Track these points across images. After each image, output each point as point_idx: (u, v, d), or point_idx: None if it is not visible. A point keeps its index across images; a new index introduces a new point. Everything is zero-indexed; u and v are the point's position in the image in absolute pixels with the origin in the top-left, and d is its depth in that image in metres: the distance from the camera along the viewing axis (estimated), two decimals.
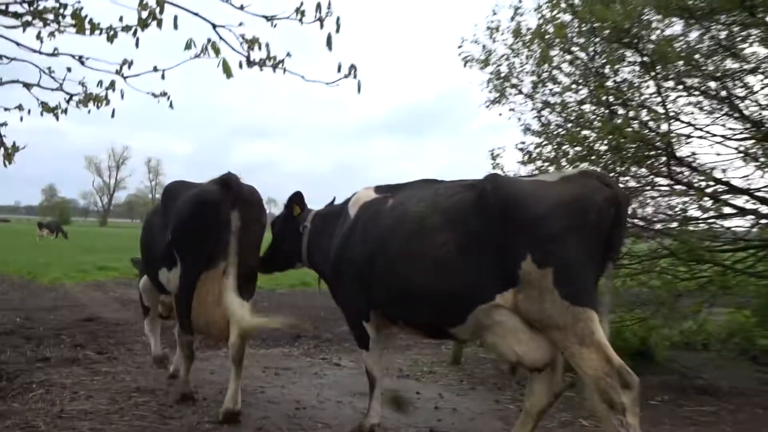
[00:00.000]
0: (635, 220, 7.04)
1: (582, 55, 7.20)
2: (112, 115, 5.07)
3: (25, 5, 4.73)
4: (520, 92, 7.63)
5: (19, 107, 4.96)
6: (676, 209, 6.98)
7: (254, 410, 5.49)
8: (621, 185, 6.21)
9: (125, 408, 5.37)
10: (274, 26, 4.36)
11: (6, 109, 4.94)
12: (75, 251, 28.31)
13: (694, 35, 6.71)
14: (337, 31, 4.14)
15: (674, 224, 6.90)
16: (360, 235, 4.49)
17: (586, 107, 7.25)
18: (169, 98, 5.13)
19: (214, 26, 4.38)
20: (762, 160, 6.61)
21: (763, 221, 6.74)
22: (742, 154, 6.79)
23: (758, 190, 6.70)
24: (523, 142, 7.58)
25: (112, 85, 4.91)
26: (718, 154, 6.86)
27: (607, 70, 7.07)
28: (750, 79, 6.69)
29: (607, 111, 7.10)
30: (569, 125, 7.34)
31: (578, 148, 7.14)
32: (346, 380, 6.77)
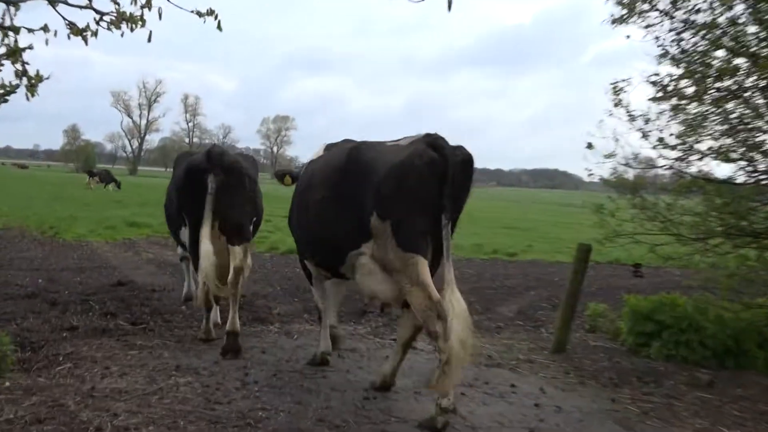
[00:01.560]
0: None
1: None
2: (149, 39, 5.13)
3: None
4: (655, 8, 7.26)
5: (44, 28, 5.02)
6: None
7: (315, 398, 5.60)
8: None
9: (164, 388, 5.60)
10: None
11: (30, 30, 5.03)
12: (102, 204, 29.52)
13: None
14: None
15: None
16: (296, 188, 6.64)
17: (743, 28, 6.83)
18: (216, 17, 5.14)
19: None
20: None
21: None
22: None
23: None
24: (657, 74, 7.25)
25: (149, 2, 4.95)
26: None
27: None
28: None
29: None
30: (717, 51, 6.96)
31: (728, 82, 6.78)
32: (423, 367, 6.80)
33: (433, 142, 5.25)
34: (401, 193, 5.20)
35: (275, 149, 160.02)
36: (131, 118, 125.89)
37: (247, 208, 7.20)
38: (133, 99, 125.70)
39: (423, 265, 5.17)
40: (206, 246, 6.57)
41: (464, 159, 5.27)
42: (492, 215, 39.93)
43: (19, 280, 10.41)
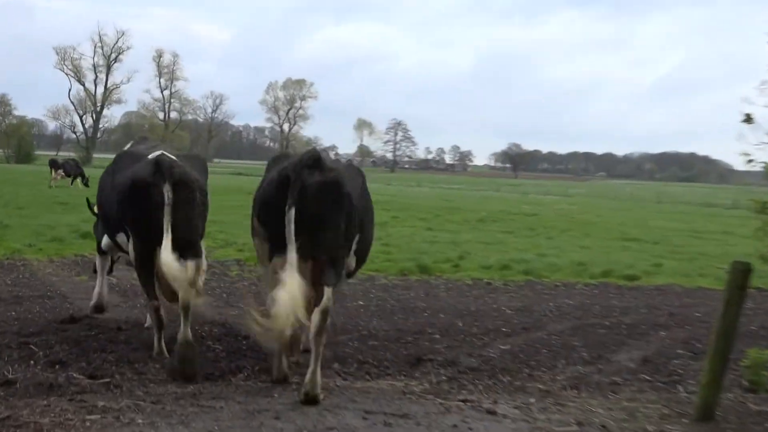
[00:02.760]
0: None
1: None
2: None
3: None
4: None
5: None
6: None
7: None
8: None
9: None
10: None
11: None
12: (41, 207, 29.90)
13: None
14: None
15: None
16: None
17: None
18: None
19: None
20: None
21: None
22: None
23: None
24: None
25: None
26: None
27: None
28: None
29: None
30: None
31: None
32: None
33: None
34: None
35: (286, 127, 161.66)
36: (83, 84, 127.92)
37: (193, 224, 8.95)
38: (85, 58, 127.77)
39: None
40: (167, 255, 8.22)
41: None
42: (600, 221, 39.70)
43: None
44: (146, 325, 10.49)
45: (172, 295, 8.73)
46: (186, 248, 8.59)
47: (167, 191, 8.44)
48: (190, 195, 8.79)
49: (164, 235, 8.30)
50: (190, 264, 8.55)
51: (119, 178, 9.32)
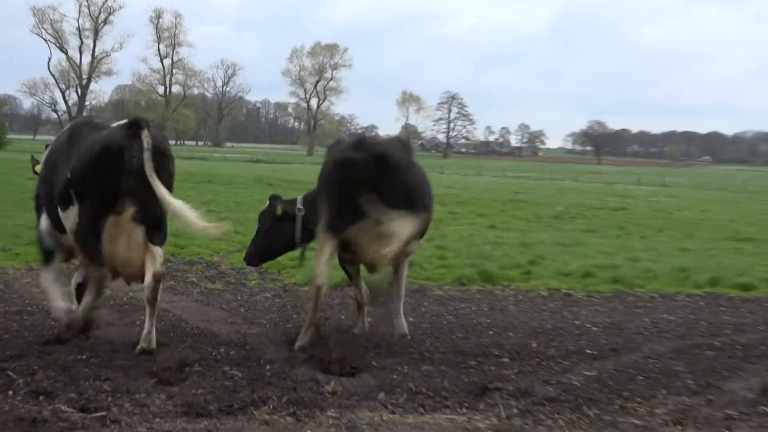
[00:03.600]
0: None
1: None
2: None
3: None
4: None
5: None
6: None
7: None
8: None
9: None
10: None
11: None
12: (20, 202, 30.10)
13: None
14: None
15: None
16: None
17: None
18: None
19: None
20: None
21: None
22: None
23: None
24: None
25: None
26: None
27: None
28: None
29: None
30: None
31: None
32: None
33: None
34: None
35: (314, 103, 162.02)
36: (65, 53, 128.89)
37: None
38: (68, 20, 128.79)
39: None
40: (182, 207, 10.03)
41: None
42: (706, 217, 39.42)
43: None
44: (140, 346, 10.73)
45: (135, 275, 10.55)
46: (155, 228, 10.29)
47: (147, 152, 9.83)
48: (168, 164, 10.36)
49: (158, 192, 9.85)
50: (159, 251, 10.31)
51: (86, 142, 10.41)
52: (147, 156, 9.82)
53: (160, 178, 9.90)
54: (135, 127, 9.90)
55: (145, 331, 10.46)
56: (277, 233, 12.62)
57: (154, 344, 10.41)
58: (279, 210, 12.43)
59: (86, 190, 10.09)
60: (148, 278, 10.26)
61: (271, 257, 13.41)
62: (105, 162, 9.93)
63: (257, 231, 12.90)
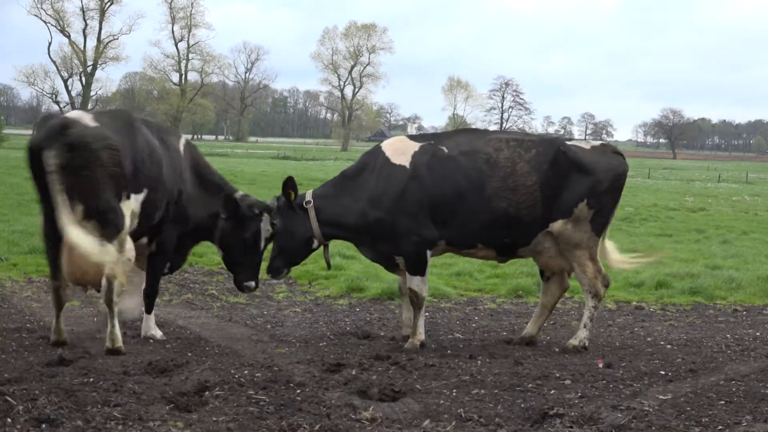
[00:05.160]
0: None
1: None
2: None
3: None
4: None
5: None
6: None
7: None
8: None
9: None
10: None
11: None
12: (17, 206, 30.29)
13: None
14: None
15: None
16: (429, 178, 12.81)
17: None
18: None
19: None
20: None
21: None
22: None
23: None
24: None
25: None
26: None
27: None
28: None
29: None
30: None
31: None
32: None
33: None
34: None
35: (349, 91, 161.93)
36: (67, 36, 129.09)
37: (99, 192, 10.95)
38: (70, 0, 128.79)
39: None
40: (72, 231, 10.44)
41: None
42: None
43: None
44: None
45: (94, 281, 11.35)
46: (97, 222, 10.90)
47: (52, 156, 10.51)
48: (90, 157, 10.79)
49: (58, 206, 10.55)
50: (108, 245, 10.91)
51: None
52: (51, 178, 10.54)
53: (82, 177, 10.67)
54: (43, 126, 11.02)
55: (108, 329, 11.30)
56: (289, 234, 12.90)
57: (119, 342, 11.36)
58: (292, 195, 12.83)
59: (40, 194, 11.17)
60: (103, 281, 11.09)
61: (293, 263, 13.53)
62: (30, 165, 10.98)
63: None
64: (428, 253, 12.78)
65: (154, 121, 14.37)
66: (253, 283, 13.33)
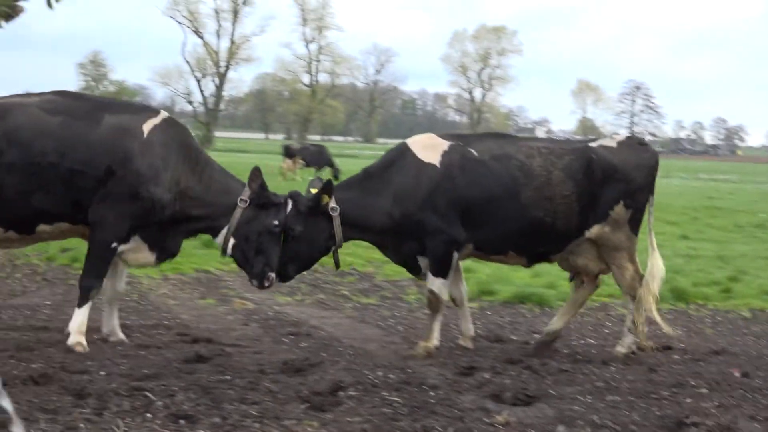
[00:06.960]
0: None
1: None
2: None
3: None
4: None
5: None
6: None
7: None
8: None
9: None
10: None
11: None
12: None
13: None
14: None
15: None
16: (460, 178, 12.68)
17: None
18: None
19: None
20: None
21: None
22: None
23: None
24: None
25: None
26: None
27: None
28: None
29: None
30: None
31: None
32: None
33: None
34: None
35: (478, 93, 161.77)
36: (201, 37, 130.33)
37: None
38: (204, 1, 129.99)
39: None
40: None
41: None
42: None
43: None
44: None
45: None
46: None
47: None
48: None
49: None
50: None
51: None
52: None
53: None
54: None
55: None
56: (308, 240, 12.28)
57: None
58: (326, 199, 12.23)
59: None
60: None
61: (306, 268, 13.15)
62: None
63: (284, 238, 12.27)
64: (455, 255, 12.62)
65: None
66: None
